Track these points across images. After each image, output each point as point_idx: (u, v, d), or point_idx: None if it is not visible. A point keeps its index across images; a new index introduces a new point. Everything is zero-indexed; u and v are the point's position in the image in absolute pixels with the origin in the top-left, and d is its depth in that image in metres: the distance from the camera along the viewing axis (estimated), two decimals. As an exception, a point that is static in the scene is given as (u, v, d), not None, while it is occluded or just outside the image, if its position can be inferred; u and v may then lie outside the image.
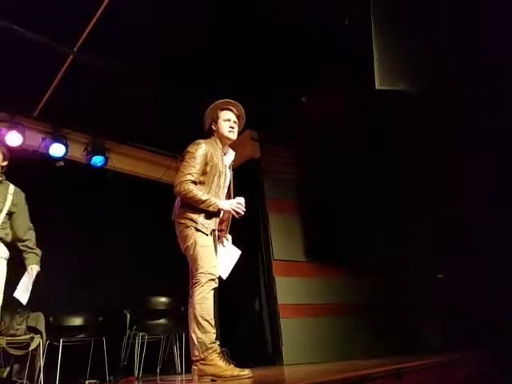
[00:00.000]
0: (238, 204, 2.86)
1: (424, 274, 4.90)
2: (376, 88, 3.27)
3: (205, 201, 2.76)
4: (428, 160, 4.76)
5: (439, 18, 3.34)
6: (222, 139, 3.01)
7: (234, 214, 2.88)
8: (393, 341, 4.60)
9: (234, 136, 3.02)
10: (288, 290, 4.94)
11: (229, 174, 3.05)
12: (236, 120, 3.03)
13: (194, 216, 2.80)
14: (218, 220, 2.92)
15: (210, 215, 2.82)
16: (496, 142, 3.99)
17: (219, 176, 2.90)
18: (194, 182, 2.81)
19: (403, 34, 3.34)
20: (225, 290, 4.43)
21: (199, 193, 2.77)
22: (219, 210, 2.84)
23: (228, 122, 2.99)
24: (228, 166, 3.04)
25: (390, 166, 5.05)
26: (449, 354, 3.19)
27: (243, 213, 2.90)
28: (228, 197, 3.07)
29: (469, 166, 4.32)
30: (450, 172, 4.53)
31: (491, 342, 3.51)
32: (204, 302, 2.65)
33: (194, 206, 2.79)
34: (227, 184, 3.05)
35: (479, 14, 3.24)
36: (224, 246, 3.09)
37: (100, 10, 3.76)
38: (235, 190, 3.14)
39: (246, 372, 2.55)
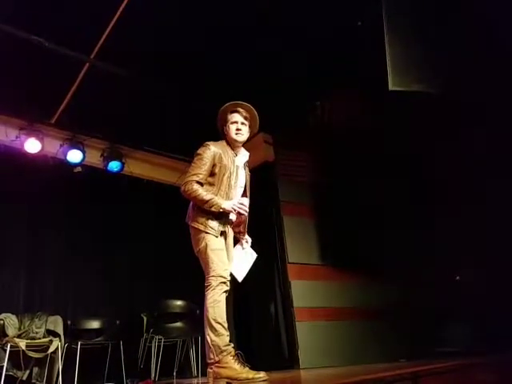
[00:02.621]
0: (240, 204, 2.87)
1: (442, 276, 4.82)
2: (389, 89, 3.25)
3: (207, 201, 2.78)
4: (444, 161, 4.71)
5: (452, 17, 3.31)
6: (232, 141, 3.02)
7: (236, 214, 2.88)
8: (410, 345, 4.54)
9: (241, 138, 3.01)
10: (303, 293, 4.92)
11: (242, 174, 3.05)
12: (244, 121, 3.01)
13: (203, 219, 2.82)
14: (227, 221, 2.92)
15: (217, 217, 2.84)
16: (509, 143, 3.93)
17: (229, 177, 2.91)
18: (200, 183, 2.83)
19: (416, 35, 3.31)
20: (240, 294, 4.47)
21: (203, 193, 2.79)
22: (226, 212, 2.85)
23: (235, 124, 3.00)
24: (242, 166, 3.05)
25: (405, 167, 5.00)
26: (468, 358, 3.14)
27: (246, 213, 2.92)
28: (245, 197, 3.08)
29: (484, 165, 4.26)
30: (467, 172, 4.46)
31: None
32: (216, 304, 2.66)
33: (203, 208, 2.81)
34: (242, 184, 3.04)
35: (493, 13, 3.20)
36: (244, 248, 3.10)
37: (116, 18, 3.83)
38: (251, 191, 3.14)
39: (261, 375, 2.54)
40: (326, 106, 4.93)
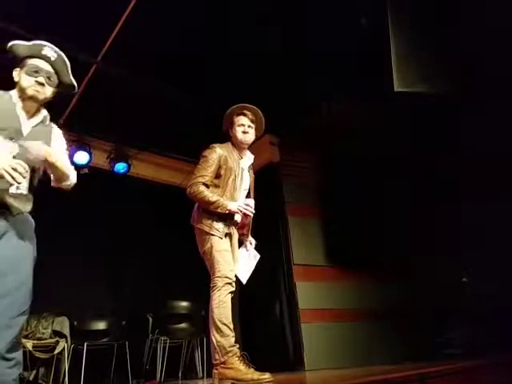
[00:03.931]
0: (246, 205, 2.88)
1: (447, 278, 4.80)
2: (395, 90, 3.25)
3: (214, 202, 2.80)
4: (452, 161, 4.69)
5: (457, 17, 3.30)
6: (238, 144, 3.04)
7: (241, 215, 2.89)
8: (415, 346, 4.52)
9: (247, 140, 3.03)
10: (309, 294, 4.92)
11: (247, 177, 3.07)
12: (250, 124, 3.03)
13: (208, 221, 2.84)
14: (232, 223, 2.93)
15: (222, 218, 2.85)
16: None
17: (234, 179, 2.93)
18: (206, 185, 2.86)
19: (421, 36, 3.31)
20: (246, 295, 4.47)
21: (209, 194, 2.82)
22: (232, 213, 2.86)
23: (242, 127, 3.01)
24: (246, 169, 3.07)
25: (412, 168, 4.98)
26: (473, 360, 3.12)
27: (252, 214, 2.92)
28: None
29: (494, 166, 4.24)
30: (474, 173, 4.44)
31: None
32: (221, 305, 2.67)
33: (208, 209, 2.83)
34: (246, 187, 3.06)
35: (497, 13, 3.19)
36: (248, 250, 3.11)
37: (123, 20, 3.85)
38: (255, 193, 3.15)
39: (267, 376, 2.55)
40: (331, 107, 4.92)
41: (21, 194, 2.08)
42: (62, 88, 2.33)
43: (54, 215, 5.24)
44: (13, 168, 1.90)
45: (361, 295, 5.09)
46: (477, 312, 4.42)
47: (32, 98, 2.19)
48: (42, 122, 2.27)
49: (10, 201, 2.07)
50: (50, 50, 2.21)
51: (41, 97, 2.20)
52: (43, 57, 2.20)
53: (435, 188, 4.85)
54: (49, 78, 2.21)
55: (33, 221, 2.25)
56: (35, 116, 2.25)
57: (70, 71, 2.31)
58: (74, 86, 2.37)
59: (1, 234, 2.03)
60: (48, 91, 2.24)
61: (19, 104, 2.19)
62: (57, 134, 2.37)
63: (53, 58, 2.22)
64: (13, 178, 1.90)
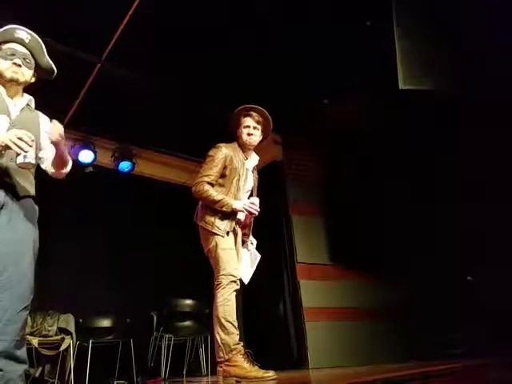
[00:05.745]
0: (251, 204, 2.89)
1: (451, 277, 4.79)
2: (400, 88, 3.24)
3: (218, 201, 2.82)
4: (454, 162, 4.67)
5: (462, 16, 3.29)
6: (243, 145, 3.05)
7: (247, 213, 2.90)
8: (419, 346, 4.52)
9: (252, 142, 3.04)
10: (312, 293, 4.92)
11: (251, 178, 3.08)
12: (256, 126, 3.04)
13: (211, 219, 2.86)
14: (234, 221, 2.94)
15: (225, 217, 2.87)
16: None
17: (238, 179, 2.95)
18: (211, 184, 2.88)
19: (426, 34, 3.31)
20: (249, 294, 4.49)
21: (213, 193, 2.84)
22: (235, 211, 2.87)
23: (247, 128, 3.02)
24: (251, 169, 3.08)
25: (415, 167, 4.97)
26: (477, 359, 3.12)
27: (257, 213, 2.93)
28: None
29: (496, 168, 4.22)
30: (477, 174, 4.43)
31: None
32: (226, 303, 2.69)
33: (212, 208, 2.85)
34: (249, 188, 3.08)
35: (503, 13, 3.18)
36: (249, 250, 3.12)
37: (126, 19, 3.86)
38: (258, 193, 3.16)
39: (271, 373, 2.56)
40: (335, 105, 4.91)
41: (29, 163, 2.00)
42: (41, 72, 2.33)
43: (59, 214, 5.28)
44: (18, 137, 1.91)
45: (364, 294, 5.09)
46: (480, 311, 4.41)
47: (12, 81, 2.18)
48: (28, 105, 2.28)
49: (16, 179, 2.06)
50: (23, 33, 2.22)
51: (20, 78, 2.20)
52: (17, 40, 2.20)
53: (439, 189, 4.84)
54: (25, 59, 2.21)
55: (37, 208, 2.21)
56: (20, 100, 2.25)
57: (45, 52, 2.30)
58: (52, 69, 2.36)
59: (5, 222, 1.98)
60: (26, 73, 2.23)
61: (3, 90, 2.20)
62: (44, 120, 2.37)
63: (27, 40, 2.22)
64: (19, 147, 1.90)
